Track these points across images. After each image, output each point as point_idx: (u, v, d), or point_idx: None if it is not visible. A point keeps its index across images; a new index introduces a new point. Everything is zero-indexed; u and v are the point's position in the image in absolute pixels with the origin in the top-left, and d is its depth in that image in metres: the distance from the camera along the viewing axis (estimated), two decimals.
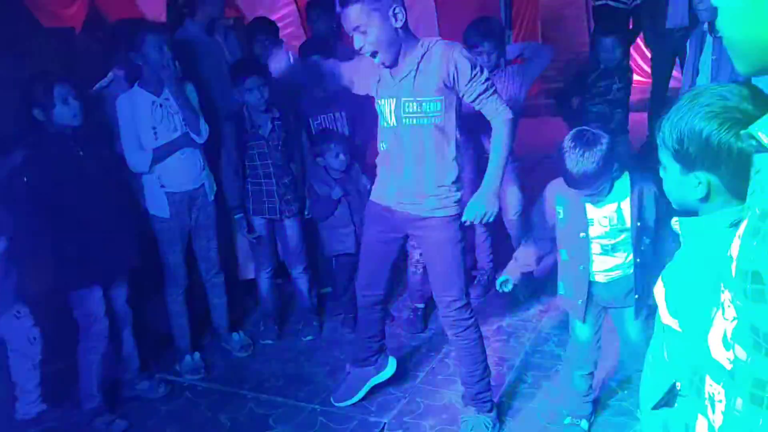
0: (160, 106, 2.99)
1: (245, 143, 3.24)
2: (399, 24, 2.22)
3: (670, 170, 1.23)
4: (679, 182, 1.21)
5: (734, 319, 0.78)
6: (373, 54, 2.26)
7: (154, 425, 2.89)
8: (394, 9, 2.20)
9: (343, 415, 2.84)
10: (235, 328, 3.49)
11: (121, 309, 2.96)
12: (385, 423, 2.77)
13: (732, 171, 1.12)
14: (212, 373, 3.25)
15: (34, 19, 3.37)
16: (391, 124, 2.37)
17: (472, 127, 3.29)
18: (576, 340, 2.54)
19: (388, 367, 2.92)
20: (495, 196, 2.37)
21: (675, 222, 1.24)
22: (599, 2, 5.64)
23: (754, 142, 0.74)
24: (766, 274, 0.71)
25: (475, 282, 3.74)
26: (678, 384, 1.21)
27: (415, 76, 2.28)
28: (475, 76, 2.25)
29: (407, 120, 2.33)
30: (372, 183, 2.66)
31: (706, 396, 0.86)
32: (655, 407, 1.25)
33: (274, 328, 3.55)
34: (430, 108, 2.29)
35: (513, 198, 3.56)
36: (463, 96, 2.31)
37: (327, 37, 3.74)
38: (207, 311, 3.44)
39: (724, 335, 0.81)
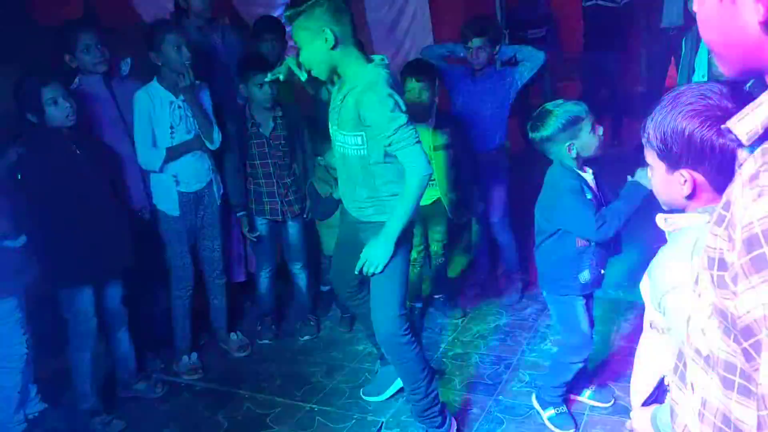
0: (179, 107, 3.01)
1: (246, 142, 3.24)
2: (329, 45, 2.22)
3: (656, 170, 1.25)
4: (665, 181, 1.24)
5: (709, 305, 0.80)
6: (309, 71, 2.33)
7: (152, 425, 2.89)
8: (325, 30, 2.20)
9: (341, 415, 2.85)
10: (232, 328, 3.50)
11: (116, 309, 2.95)
12: (382, 422, 2.78)
13: (716, 168, 1.15)
14: (210, 373, 3.25)
15: (31, 18, 3.37)
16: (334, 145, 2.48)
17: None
18: (583, 331, 2.55)
19: None
20: (388, 245, 2.29)
21: (659, 218, 1.26)
22: (589, 2, 5.65)
23: (734, 137, 0.77)
24: (729, 260, 0.74)
25: (473, 282, 3.75)
26: (666, 379, 1.23)
27: (339, 111, 2.33)
28: (384, 125, 2.20)
29: (338, 147, 2.41)
30: None
31: (689, 382, 0.88)
32: (645, 403, 1.26)
33: (271, 328, 3.56)
34: (352, 141, 2.33)
35: (497, 200, 3.57)
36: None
37: None
38: (204, 311, 3.44)
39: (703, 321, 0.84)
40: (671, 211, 1.29)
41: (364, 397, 2.93)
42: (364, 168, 2.35)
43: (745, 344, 0.71)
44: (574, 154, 2.35)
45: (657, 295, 1.21)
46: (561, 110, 2.35)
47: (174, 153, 3.02)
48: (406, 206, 2.27)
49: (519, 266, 3.74)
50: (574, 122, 2.32)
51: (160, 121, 2.98)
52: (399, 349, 2.43)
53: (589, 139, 2.34)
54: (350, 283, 2.68)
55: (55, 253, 2.65)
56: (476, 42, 3.30)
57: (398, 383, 2.82)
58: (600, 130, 2.36)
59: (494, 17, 4.43)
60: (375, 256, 2.31)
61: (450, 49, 3.54)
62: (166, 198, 3.08)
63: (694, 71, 3.31)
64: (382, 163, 2.32)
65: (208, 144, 3.10)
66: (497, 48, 3.38)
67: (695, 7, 0.81)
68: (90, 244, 2.69)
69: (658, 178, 1.25)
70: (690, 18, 3.43)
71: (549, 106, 2.39)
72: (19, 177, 2.59)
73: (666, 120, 1.17)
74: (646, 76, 6.19)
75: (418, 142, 2.25)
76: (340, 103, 2.32)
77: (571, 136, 2.33)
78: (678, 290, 1.14)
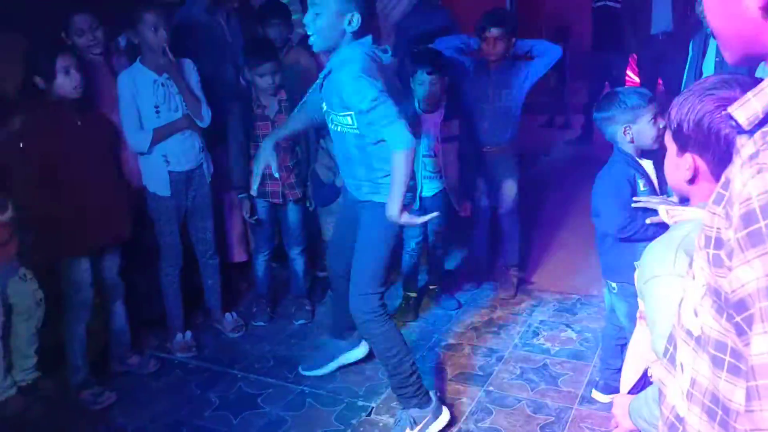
0: (162, 85, 2.99)
1: (251, 124, 3.25)
2: (350, 29, 2.26)
3: (669, 150, 1.25)
4: (673, 163, 1.24)
5: (702, 285, 0.81)
6: (311, 34, 2.29)
7: (144, 400, 2.91)
8: (353, 14, 2.23)
9: (332, 398, 2.87)
10: (228, 308, 3.51)
11: (113, 280, 2.98)
12: (372, 407, 2.80)
13: (719, 157, 1.15)
14: (203, 352, 3.27)
15: None
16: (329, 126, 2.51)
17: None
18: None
19: (359, 348, 3.01)
20: (395, 205, 2.28)
21: (662, 210, 1.27)
22: (599, 3, 5.65)
23: (734, 122, 0.78)
24: (725, 237, 0.75)
25: (469, 275, 3.77)
26: (649, 371, 1.24)
27: (323, 91, 2.39)
28: (359, 106, 2.24)
29: (332, 126, 2.45)
30: None
31: (678, 363, 0.89)
32: (632, 391, 1.28)
33: (266, 310, 3.57)
34: (341, 120, 2.36)
35: (508, 193, 3.58)
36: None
37: None
38: (200, 291, 3.46)
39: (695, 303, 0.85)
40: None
41: (301, 371, 3.03)
42: (360, 148, 2.39)
43: (738, 318, 0.72)
44: (629, 137, 2.37)
45: (640, 282, 1.23)
46: (624, 94, 2.40)
47: (162, 133, 3.00)
48: (399, 181, 2.26)
49: (517, 260, 3.76)
50: (634, 107, 2.35)
51: (144, 102, 2.96)
52: (366, 326, 2.53)
53: (646, 128, 2.35)
54: (346, 261, 2.71)
55: (53, 223, 2.67)
56: (494, 32, 3.28)
57: (338, 362, 3.01)
58: (661, 124, 2.35)
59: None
60: (390, 212, 2.29)
61: (464, 41, 3.54)
62: (156, 178, 3.07)
63: (701, 74, 3.32)
64: (377, 143, 2.34)
65: (197, 122, 3.09)
66: (513, 41, 3.38)
67: None
68: (88, 215, 2.71)
69: (669, 159, 1.26)
70: (698, 23, 3.42)
71: (617, 89, 2.49)
72: (21, 145, 2.61)
73: (687, 101, 1.17)
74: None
75: (401, 119, 2.24)
76: (320, 87, 2.38)
77: (629, 120, 2.36)
78: (657, 279, 1.15)
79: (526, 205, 3.87)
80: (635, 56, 6.12)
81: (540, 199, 4.82)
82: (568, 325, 3.36)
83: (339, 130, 2.41)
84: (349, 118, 2.33)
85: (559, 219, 4.55)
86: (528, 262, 4.00)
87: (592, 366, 2.97)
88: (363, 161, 2.41)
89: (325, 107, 2.43)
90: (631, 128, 2.35)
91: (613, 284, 2.50)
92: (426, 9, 4.47)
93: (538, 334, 3.31)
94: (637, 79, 7.53)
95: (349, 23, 2.24)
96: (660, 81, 5.38)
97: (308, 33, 2.29)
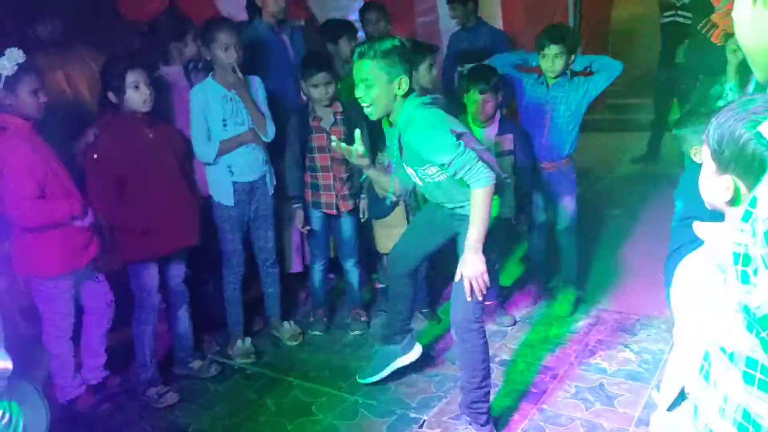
0: (231, 100, 3.14)
1: (307, 136, 3.34)
2: (400, 93, 2.36)
3: (706, 167, 1.23)
4: (710, 181, 1.22)
5: (734, 302, 0.81)
6: (367, 106, 2.40)
7: (204, 402, 3.03)
8: (401, 79, 2.34)
9: (384, 409, 2.90)
10: (286, 317, 3.61)
11: (178, 287, 3.12)
12: (424, 420, 2.82)
13: (760, 182, 1.13)
14: (262, 359, 3.37)
15: (116, 13, 3.59)
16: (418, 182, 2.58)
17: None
18: None
19: (413, 350, 3.01)
20: (478, 255, 2.39)
21: (696, 227, 1.25)
22: (668, 19, 5.53)
23: (765, 141, 0.78)
24: (753, 255, 0.74)
25: (526, 291, 3.74)
26: (686, 387, 1.23)
27: (402, 156, 2.48)
28: (444, 160, 2.33)
29: (418, 179, 2.54)
30: None
31: (712, 379, 0.89)
32: (671, 409, 1.26)
33: (323, 319, 3.65)
34: (425, 173, 2.48)
35: (566, 209, 3.54)
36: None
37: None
38: (260, 299, 3.56)
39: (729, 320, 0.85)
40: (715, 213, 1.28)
41: (359, 380, 3.06)
42: (451, 183, 2.47)
43: (764, 334, 0.72)
44: (698, 160, 2.33)
45: (675, 298, 1.21)
46: (699, 114, 2.36)
47: (227, 145, 3.14)
48: (479, 217, 2.38)
49: (575, 278, 3.71)
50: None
51: (213, 115, 3.12)
52: (470, 335, 2.54)
53: None
54: (410, 263, 2.82)
55: (125, 230, 2.82)
56: (553, 49, 3.27)
57: (394, 366, 2.98)
58: None
59: (568, 25, 4.39)
60: (473, 270, 2.40)
61: (522, 58, 3.54)
62: (221, 188, 3.21)
63: None
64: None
65: (261, 136, 3.21)
66: (572, 57, 3.36)
67: (733, 13, 0.83)
68: (158, 223, 2.86)
69: (705, 176, 1.24)
70: None
71: (701, 107, 2.46)
72: (95, 156, 2.77)
73: (728, 122, 1.14)
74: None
75: (479, 161, 2.33)
76: (399, 153, 2.47)
77: (699, 141, 2.31)
78: (691, 295, 1.13)
79: (587, 223, 3.83)
80: None
81: (602, 216, 4.74)
82: (626, 346, 3.29)
83: (426, 181, 2.51)
84: (431, 169, 2.44)
85: (621, 237, 4.47)
86: (587, 279, 3.94)
87: (651, 388, 2.89)
88: (457, 185, 2.47)
89: (407, 168, 2.52)
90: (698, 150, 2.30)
91: None
92: (481, 28, 4.52)
93: (594, 354, 3.25)
94: None
95: (399, 87, 2.35)
96: None
97: (363, 105, 2.40)
